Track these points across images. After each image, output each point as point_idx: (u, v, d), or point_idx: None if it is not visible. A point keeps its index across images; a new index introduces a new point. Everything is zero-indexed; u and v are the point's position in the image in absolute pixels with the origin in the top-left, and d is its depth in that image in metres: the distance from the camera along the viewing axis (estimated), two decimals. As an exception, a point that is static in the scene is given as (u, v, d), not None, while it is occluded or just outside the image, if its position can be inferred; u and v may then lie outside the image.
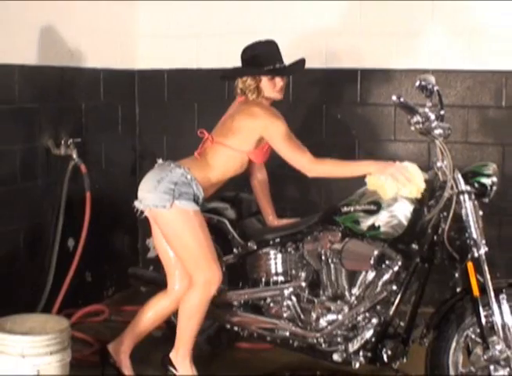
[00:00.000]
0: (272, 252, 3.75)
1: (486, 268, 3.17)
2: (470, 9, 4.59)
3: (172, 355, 3.65)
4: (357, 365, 3.47)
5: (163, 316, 3.71)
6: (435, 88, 3.29)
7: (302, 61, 3.71)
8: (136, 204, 3.57)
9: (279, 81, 3.62)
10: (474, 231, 3.21)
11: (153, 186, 3.50)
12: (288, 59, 3.67)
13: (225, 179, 3.68)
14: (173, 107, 5.24)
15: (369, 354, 3.44)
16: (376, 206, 3.37)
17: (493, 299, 3.13)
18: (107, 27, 4.97)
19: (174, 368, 3.64)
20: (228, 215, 3.92)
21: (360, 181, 3.48)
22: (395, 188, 3.33)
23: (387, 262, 3.38)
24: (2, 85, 4.10)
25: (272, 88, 3.61)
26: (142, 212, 3.58)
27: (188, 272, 3.57)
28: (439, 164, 3.30)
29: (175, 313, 3.69)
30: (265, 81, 3.59)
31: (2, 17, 4.02)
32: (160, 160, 3.66)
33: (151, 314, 3.71)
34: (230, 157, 3.60)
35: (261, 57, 3.59)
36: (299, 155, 3.53)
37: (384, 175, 3.36)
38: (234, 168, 3.64)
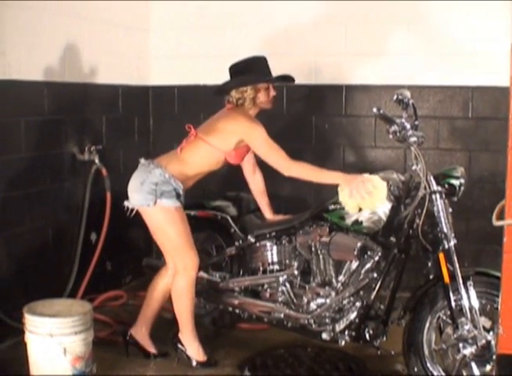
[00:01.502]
0: (268, 244, 3.73)
1: (455, 258, 3.15)
2: (442, 33, 4.57)
3: (180, 335, 3.63)
4: (343, 343, 3.45)
5: (166, 291, 3.64)
6: (410, 101, 3.27)
7: (290, 77, 3.63)
8: (126, 203, 3.53)
9: (272, 92, 3.57)
10: (445, 226, 3.19)
11: (138, 187, 3.46)
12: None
13: (201, 173, 3.58)
14: (182, 118, 5.13)
15: (353, 333, 3.42)
16: (360, 204, 3.35)
17: (461, 285, 3.11)
18: (125, 48, 4.95)
19: (183, 346, 3.63)
20: (230, 211, 3.90)
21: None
22: (356, 207, 3.31)
23: (368, 253, 3.36)
24: (33, 100, 4.07)
25: (266, 97, 3.55)
26: (131, 210, 3.52)
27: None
28: (414, 167, 3.27)
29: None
30: (261, 91, 3.53)
31: (32, 40, 4.00)
32: (142, 160, 3.57)
33: (157, 292, 3.68)
34: (208, 153, 3.51)
35: (255, 69, 3.52)
36: (278, 155, 3.43)
37: (349, 187, 3.30)
38: (209, 164, 3.55)
